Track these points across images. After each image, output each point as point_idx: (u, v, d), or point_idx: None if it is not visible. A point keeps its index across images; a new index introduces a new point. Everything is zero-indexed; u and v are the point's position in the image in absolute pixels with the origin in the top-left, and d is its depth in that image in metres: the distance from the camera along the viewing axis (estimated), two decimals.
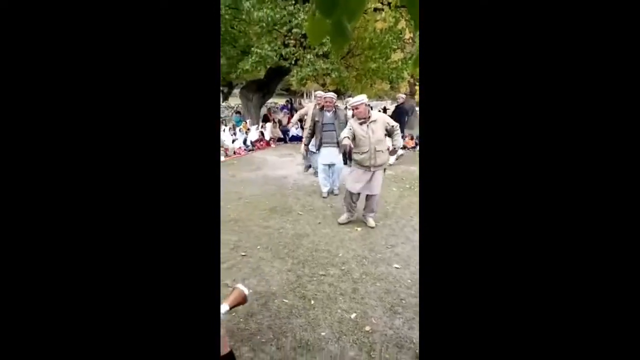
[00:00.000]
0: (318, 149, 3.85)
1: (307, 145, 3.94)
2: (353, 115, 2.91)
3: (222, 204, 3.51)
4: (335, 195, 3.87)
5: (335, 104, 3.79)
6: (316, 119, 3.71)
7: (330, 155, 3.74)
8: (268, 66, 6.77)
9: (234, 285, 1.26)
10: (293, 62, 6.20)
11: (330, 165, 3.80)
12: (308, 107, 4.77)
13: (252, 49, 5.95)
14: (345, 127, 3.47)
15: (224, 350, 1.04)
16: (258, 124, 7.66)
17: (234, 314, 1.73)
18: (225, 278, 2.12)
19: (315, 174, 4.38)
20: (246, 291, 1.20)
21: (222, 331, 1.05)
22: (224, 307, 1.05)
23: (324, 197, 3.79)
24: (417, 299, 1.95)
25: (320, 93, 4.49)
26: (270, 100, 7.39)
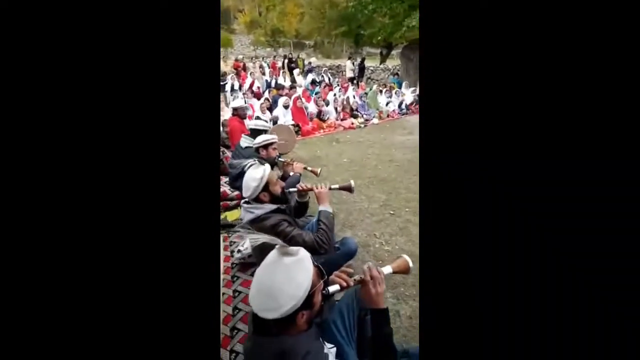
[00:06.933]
0: None
1: None
2: None
3: (373, 163, 3.77)
4: None
5: None
6: None
7: None
8: None
9: (401, 255, 1.39)
10: None
11: None
12: None
13: None
14: None
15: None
16: (415, 86, 7.33)
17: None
18: (374, 230, 2.38)
19: None
20: (411, 263, 1.30)
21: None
22: (387, 269, 1.17)
23: None
24: None
25: None
26: None
